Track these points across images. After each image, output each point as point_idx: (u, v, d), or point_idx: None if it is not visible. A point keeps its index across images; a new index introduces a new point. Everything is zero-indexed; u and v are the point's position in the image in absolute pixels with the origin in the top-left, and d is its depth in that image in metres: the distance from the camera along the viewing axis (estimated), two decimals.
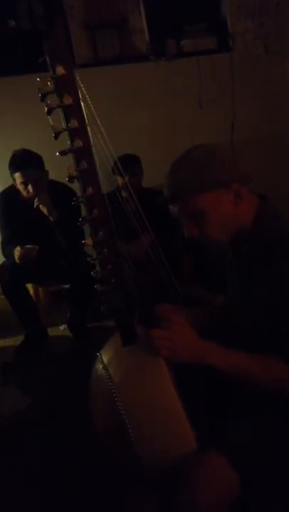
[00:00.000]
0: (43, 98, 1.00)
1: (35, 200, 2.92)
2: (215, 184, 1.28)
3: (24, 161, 2.87)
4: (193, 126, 3.82)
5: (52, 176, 3.05)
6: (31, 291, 3.39)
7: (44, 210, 2.94)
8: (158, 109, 3.90)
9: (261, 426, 1.29)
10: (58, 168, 2.67)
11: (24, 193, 2.94)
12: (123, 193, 3.01)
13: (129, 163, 3.11)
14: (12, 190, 3.05)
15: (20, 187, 2.92)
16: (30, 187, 2.89)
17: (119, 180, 3.09)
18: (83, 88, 1.05)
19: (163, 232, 2.71)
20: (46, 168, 3.01)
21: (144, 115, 3.87)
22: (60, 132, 1.04)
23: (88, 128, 1.07)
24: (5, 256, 3.14)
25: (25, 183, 2.89)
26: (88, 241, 1.22)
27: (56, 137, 1.04)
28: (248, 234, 1.35)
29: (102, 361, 1.39)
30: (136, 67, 3.84)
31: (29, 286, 3.32)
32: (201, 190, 1.28)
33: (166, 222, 3.37)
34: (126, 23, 3.82)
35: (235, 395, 1.37)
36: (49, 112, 1.01)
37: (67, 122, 1.03)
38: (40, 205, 2.94)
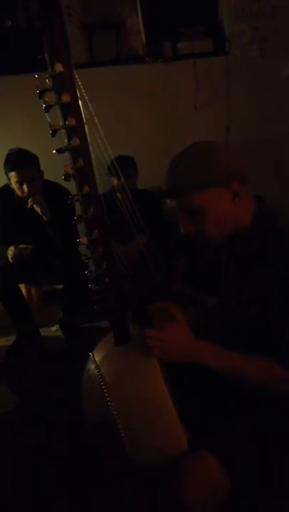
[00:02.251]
0: (41, 95, 0.99)
1: (29, 200, 2.92)
2: (214, 182, 1.28)
3: (20, 160, 2.87)
4: (189, 128, 3.83)
5: (47, 175, 3.04)
6: (24, 291, 3.38)
7: (38, 209, 2.94)
8: (153, 111, 3.91)
9: (253, 426, 1.29)
10: (53, 168, 2.69)
11: (19, 192, 2.93)
12: (118, 195, 3.02)
13: (124, 165, 3.11)
14: (6, 189, 3.04)
15: (15, 186, 2.91)
16: (25, 186, 2.88)
17: (115, 181, 3.09)
18: (81, 87, 1.05)
19: (157, 233, 2.71)
20: (41, 168, 3.00)
21: (139, 117, 3.88)
22: (57, 130, 1.03)
23: (86, 126, 1.07)
24: None
25: (20, 182, 2.88)
26: (83, 240, 1.21)
27: (53, 135, 1.03)
28: (244, 234, 1.36)
29: (95, 361, 1.38)
30: (132, 69, 3.85)
31: (22, 286, 3.31)
32: (201, 187, 1.28)
33: (160, 223, 3.41)
34: (123, 25, 3.82)
35: (228, 395, 1.37)
36: (47, 110, 1.01)
37: (64, 120, 1.03)
38: (34, 205, 2.93)
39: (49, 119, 1.02)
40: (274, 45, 3.97)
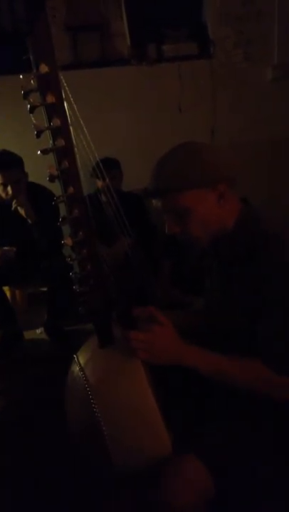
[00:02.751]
0: (26, 96, 0.99)
1: (13, 202, 2.90)
2: (200, 182, 1.28)
3: (4, 162, 2.85)
4: (173, 131, 3.83)
5: (31, 177, 3.03)
6: (8, 293, 3.36)
7: (22, 211, 2.92)
8: (138, 113, 3.91)
9: (238, 428, 1.29)
10: (37, 169, 2.68)
11: (3, 194, 2.91)
12: (102, 196, 3.02)
13: (108, 167, 3.11)
14: None
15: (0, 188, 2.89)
16: (9, 188, 2.86)
17: (99, 183, 3.09)
18: (66, 88, 1.04)
19: (142, 235, 2.71)
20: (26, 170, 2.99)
21: (124, 119, 3.88)
22: (42, 131, 1.03)
23: (71, 127, 1.06)
24: None
25: (4, 184, 2.87)
26: (68, 241, 1.21)
27: (38, 136, 1.03)
28: (229, 236, 1.36)
29: (79, 363, 1.38)
30: (117, 71, 3.85)
31: (6, 289, 3.29)
32: (186, 187, 1.28)
33: (146, 225, 3.41)
34: (107, 27, 3.82)
35: (213, 396, 1.37)
36: (32, 110, 1.00)
37: (49, 121, 1.03)
38: (18, 207, 2.92)
39: (34, 120, 1.02)
40: (258, 49, 4.00)
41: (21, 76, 1.00)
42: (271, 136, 4.14)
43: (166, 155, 1.33)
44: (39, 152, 1.06)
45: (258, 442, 1.27)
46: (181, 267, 3.36)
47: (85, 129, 1.20)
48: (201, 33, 4.00)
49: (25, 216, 2.93)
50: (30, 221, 2.93)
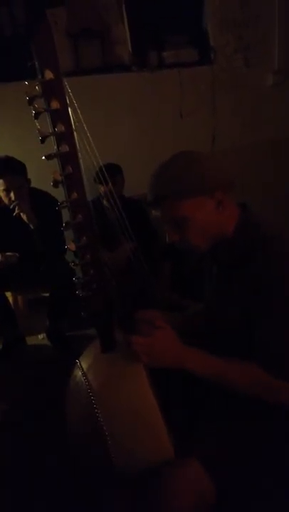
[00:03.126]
0: (31, 102, 1.00)
1: (16, 208, 2.91)
2: (198, 191, 1.29)
3: (7, 168, 2.86)
4: (175, 136, 3.85)
5: (33, 183, 3.04)
6: (10, 298, 3.37)
7: (24, 217, 2.93)
8: (139, 120, 3.92)
9: (238, 429, 1.30)
10: (39, 175, 2.69)
11: (5, 200, 2.92)
12: (104, 202, 3.03)
13: (110, 172, 3.12)
14: None
15: (2, 194, 2.90)
16: (12, 194, 2.87)
17: (101, 188, 3.10)
18: (71, 94, 1.05)
19: (143, 240, 2.72)
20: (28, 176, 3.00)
21: (125, 125, 3.89)
22: (46, 136, 1.04)
23: (75, 133, 1.07)
24: None
25: (7, 190, 2.87)
26: (71, 246, 1.22)
27: (43, 141, 1.04)
28: (228, 241, 1.37)
29: (81, 367, 1.38)
30: (118, 77, 3.86)
31: (8, 295, 3.29)
32: (184, 196, 1.29)
33: (147, 230, 3.42)
34: (109, 33, 3.84)
35: (212, 397, 1.37)
36: (36, 116, 1.02)
37: (54, 127, 1.04)
38: (21, 213, 2.93)
39: (38, 126, 1.03)
40: (259, 54, 4.02)
41: (26, 82, 1.02)
42: (272, 141, 4.15)
43: (163, 164, 1.34)
44: (43, 157, 1.07)
45: (258, 443, 1.28)
46: (181, 270, 3.37)
47: (88, 135, 1.21)
48: (201, 39, 4.02)
49: (27, 221, 2.94)
50: (32, 226, 2.94)
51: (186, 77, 3.91)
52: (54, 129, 1.04)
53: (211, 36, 3.96)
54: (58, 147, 1.06)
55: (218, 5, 3.88)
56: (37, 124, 1.03)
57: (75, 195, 1.13)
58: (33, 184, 3.03)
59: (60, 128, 1.03)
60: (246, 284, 1.30)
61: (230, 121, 4.07)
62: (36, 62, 0.98)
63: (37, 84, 1.00)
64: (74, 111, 1.07)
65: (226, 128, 4.08)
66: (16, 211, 2.91)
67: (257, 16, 3.95)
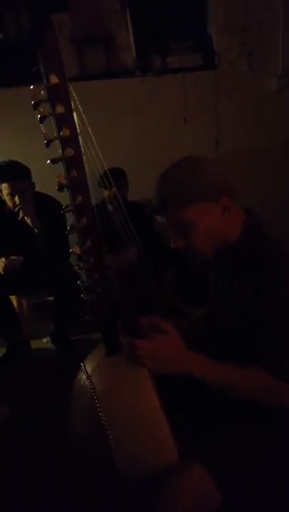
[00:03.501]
0: (36, 106, 1.01)
1: (20, 212, 2.92)
2: (204, 197, 1.29)
3: (12, 172, 2.87)
4: (178, 141, 3.86)
5: (37, 187, 3.05)
6: (14, 303, 3.37)
7: (28, 221, 2.94)
8: (143, 124, 3.94)
9: (240, 431, 1.30)
10: (44, 179, 2.70)
11: (10, 204, 2.93)
12: (109, 206, 3.03)
13: (115, 176, 3.13)
14: None
15: (7, 198, 2.91)
16: (16, 198, 2.88)
17: (105, 193, 3.11)
18: (76, 98, 1.06)
19: (147, 245, 2.72)
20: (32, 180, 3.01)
21: (129, 129, 3.90)
22: (52, 140, 1.05)
23: (80, 137, 1.08)
24: None
25: (11, 194, 2.88)
26: (76, 249, 1.22)
27: (48, 145, 1.04)
28: (233, 246, 1.37)
29: (86, 371, 1.38)
30: (122, 83, 3.88)
31: (12, 298, 3.30)
32: (190, 202, 1.29)
33: (151, 235, 3.42)
34: (113, 39, 3.86)
35: (214, 401, 1.37)
36: (41, 121, 1.02)
37: (59, 131, 1.04)
38: (25, 217, 2.94)
39: (44, 130, 1.04)
40: (262, 59, 4.02)
41: (31, 87, 1.02)
42: (276, 145, 4.16)
43: (169, 170, 1.34)
44: (48, 161, 1.07)
45: (259, 444, 1.28)
46: (184, 276, 3.37)
47: (93, 139, 1.21)
48: (205, 44, 4.03)
49: (31, 226, 2.95)
50: (36, 230, 2.95)
51: (189, 81, 3.92)
52: (59, 133, 1.04)
53: (215, 41, 3.97)
54: (63, 151, 1.07)
55: (222, 10, 3.89)
56: (42, 128, 1.03)
57: (79, 198, 1.13)
58: (37, 188, 3.04)
59: (66, 132, 1.04)
60: (247, 285, 1.31)
61: (233, 125, 4.07)
62: (41, 67, 0.99)
63: (42, 89, 1.01)
64: (79, 115, 1.08)
65: (229, 132, 4.08)
66: (20, 215, 2.92)
67: (261, 20, 3.96)
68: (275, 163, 4.20)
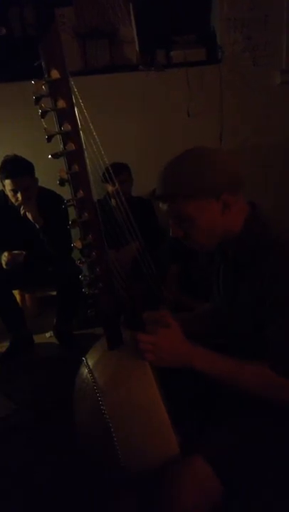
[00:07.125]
0: (37, 101, 1.01)
1: (21, 208, 2.92)
2: (204, 193, 1.29)
3: (15, 169, 2.87)
4: (182, 136, 3.85)
5: (40, 181, 3.05)
6: (18, 297, 3.39)
7: (30, 216, 2.95)
8: (147, 119, 3.93)
9: (245, 427, 1.30)
10: (46, 173, 2.70)
11: (13, 200, 2.93)
12: (112, 201, 3.03)
13: (118, 171, 3.13)
14: (0, 194, 3.05)
15: (10, 193, 2.92)
16: (19, 194, 2.88)
17: (109, 188, 3.11)
18: (77, 93, 1.06)
19: (150, 240, 2.73)
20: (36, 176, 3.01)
21: (133, 124, 3.90)
22: (53, 135, 1.05)
23: (81, 132, 1.08)
24: None
25: (14, 191, 2.89)
26: (77, 244, 1.22)
27: (49, 140, 1.05)
28: (236, 240, 1.37)
29: (88, 365, 1.38)
30: (126, 77, 3.86)
31: (16, 293, 3.31)
32: (191, 196, 1.29)
33: (154, 230, 3.42)
34: (116, 33, 3.84)
35: (220, 398, 1.37)
36: (43, 115, 1.03)
37: (60, 125, 1.05)
38: (27, 213, 2.94)
39: (45, 125, 1.04)
40: (266, 53, 4.00)
41: (33, 82, 1.02)
42: (280, 140, 4.14)
43: (175, 160, 1.33)
44: (50, 156, 1.08)
45: (263, 440, 1.28)
46: (188, 271, 3.37)
47: (95, 134, 1.21)
48: (209, 38, 4.00)
49: (32, 221, 2.96)
50: (37, 226, 2.95)
51: (193, 76, 3.90)
52: (60, 128, 1.05)
53: (219, 35, 3.95)
54: (64, 145, 1.07)
55: (227, 4, 3.86)
56: (43, 122, 1.03)
57: (81, 193, 1.14)
58: (42, 183, 3.04)
59: (67, 127, 1.04)
60: (255, 284, 1.30)
61: (237, 119, 4.05)
62: (43, 62, 0.99)
63: (43, 84, 1.01)
64: (80, 110, 1.08)
65: (233, 127, 4.07)
66: (22, 211, 2.92)
67: (265, 15, 3.93)
68: (279, 157, 4.18)
